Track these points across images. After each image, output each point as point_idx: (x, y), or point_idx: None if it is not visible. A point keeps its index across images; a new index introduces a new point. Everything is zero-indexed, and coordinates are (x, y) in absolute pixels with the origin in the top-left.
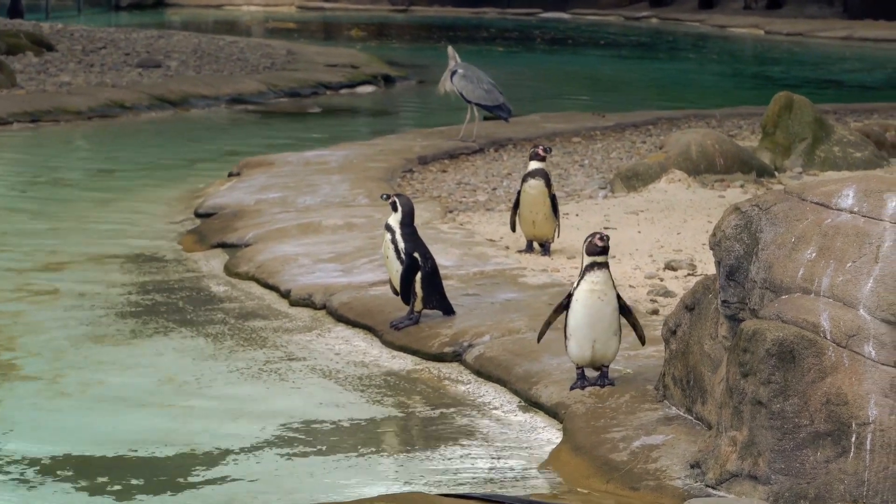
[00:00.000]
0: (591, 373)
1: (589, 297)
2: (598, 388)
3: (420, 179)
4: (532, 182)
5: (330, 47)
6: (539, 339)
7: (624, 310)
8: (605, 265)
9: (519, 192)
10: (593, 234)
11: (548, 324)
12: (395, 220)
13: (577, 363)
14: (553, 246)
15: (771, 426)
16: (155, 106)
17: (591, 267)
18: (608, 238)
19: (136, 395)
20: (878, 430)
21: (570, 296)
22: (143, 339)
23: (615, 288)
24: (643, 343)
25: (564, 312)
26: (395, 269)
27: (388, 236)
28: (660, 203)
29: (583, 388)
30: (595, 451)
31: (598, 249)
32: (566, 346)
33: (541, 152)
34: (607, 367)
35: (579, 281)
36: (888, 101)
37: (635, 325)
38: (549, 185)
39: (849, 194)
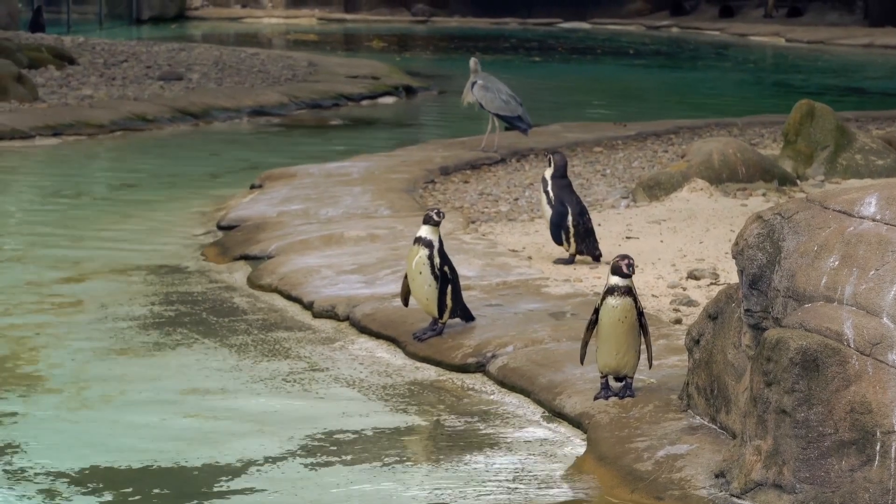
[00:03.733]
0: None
1: (610, 317)
2: (620, 399)
3: (442, 190)
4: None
5: (351, 58)
6: (581, 361)
7: (643, 330)
8: (627, 290)
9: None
10: (622, 258)
11: (585, 344)
12: (434, 233)
13: (602, 371)
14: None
15: (795, 435)
16: (177, 119)
17: (613, 289)
18: (634, 266)
19: (159, 406)
20: None
21: (596, 311)
22: (167, 350)
23: (637, 308)
24: (650, 367)
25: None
26: (428, 283)
27: (425, 252)
28: (682, 212)
29: (606, 398)
30: (619, 460)
31: (623, 274)
32: (596, 358)
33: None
34: (631, 378)
35: (603, 298)
36: None
37: (648, 347)
38: (545, 191)
39: (871, 202)
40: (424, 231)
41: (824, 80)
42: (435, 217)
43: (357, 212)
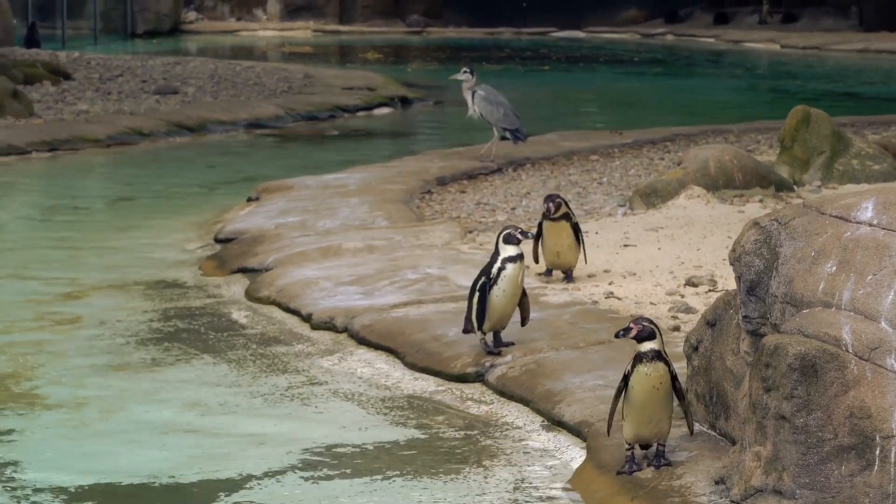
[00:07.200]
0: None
1: (644, 385)
2: (657, 469)
3: (439, 200)
4: (551, 223)
5: (347, 70)
6: (608, 432)
7: (678, 394)
8: (657, 354)
9: (540, 224)
10: (638, 323)
11: (613, 413)
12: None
13: (630, 441)
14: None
15: (795, 441)
16: (173, 132)
17: (642, 356)
18: (652, 328)
19: (159, 422)
20: None
21: (626, 378)
22: (166, 366)
23: (671, 372)
24: (692, 433)
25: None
26: (515, 302)
27: (523, 267)
28: (679, 219)
29: (630, 473)
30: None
31: (643, 336)
32: (623, 426)
33: (547, 212)
34: (663, 446)
35: (633, 365)
36: None
37: (686, 413)
38: (569, 218)
39: (868, 207)
40: (513, 250)
41: (820, 86)
42: (518, 236)
43: (354, 223)
